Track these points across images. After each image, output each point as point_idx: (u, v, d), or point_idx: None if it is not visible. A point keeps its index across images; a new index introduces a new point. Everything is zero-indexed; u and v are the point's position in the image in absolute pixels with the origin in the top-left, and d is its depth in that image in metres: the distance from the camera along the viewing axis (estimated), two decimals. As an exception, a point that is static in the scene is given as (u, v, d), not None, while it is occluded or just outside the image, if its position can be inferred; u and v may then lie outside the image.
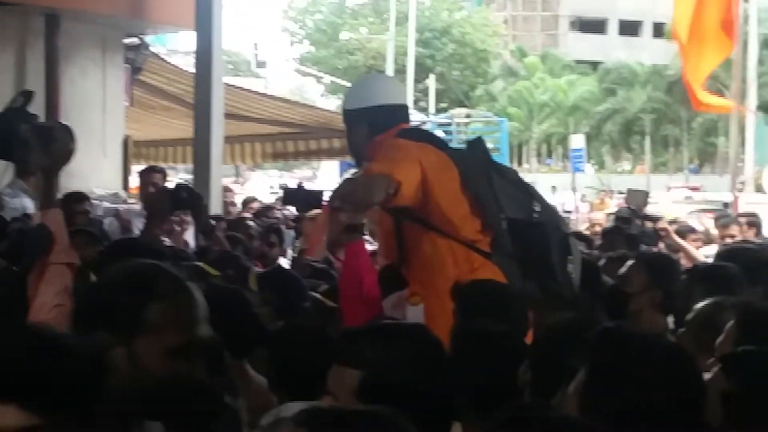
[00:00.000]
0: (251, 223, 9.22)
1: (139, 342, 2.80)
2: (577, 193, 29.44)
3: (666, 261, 5.84)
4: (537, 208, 5.06)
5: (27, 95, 3.95)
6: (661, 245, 9.39)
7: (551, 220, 5.13)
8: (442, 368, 2.90)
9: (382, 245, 5.42)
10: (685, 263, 8.65)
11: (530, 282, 4.85)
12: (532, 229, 5.00)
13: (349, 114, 5.24)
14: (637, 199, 9.94)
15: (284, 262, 8.26)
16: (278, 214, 10.21)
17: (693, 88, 15.77)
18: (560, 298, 4.70)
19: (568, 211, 22.57)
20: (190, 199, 7.03)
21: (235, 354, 4.60)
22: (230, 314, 4.74)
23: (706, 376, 2.97)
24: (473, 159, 5.07)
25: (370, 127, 5.09)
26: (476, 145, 5.30)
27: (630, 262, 5.63)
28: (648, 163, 61.11)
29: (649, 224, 9.49)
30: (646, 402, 2.59)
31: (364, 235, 4.57)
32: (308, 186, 6.32)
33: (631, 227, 9.57)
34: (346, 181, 4.54)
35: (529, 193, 5.15)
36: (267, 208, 10.53)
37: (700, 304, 4.38)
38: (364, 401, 2.72)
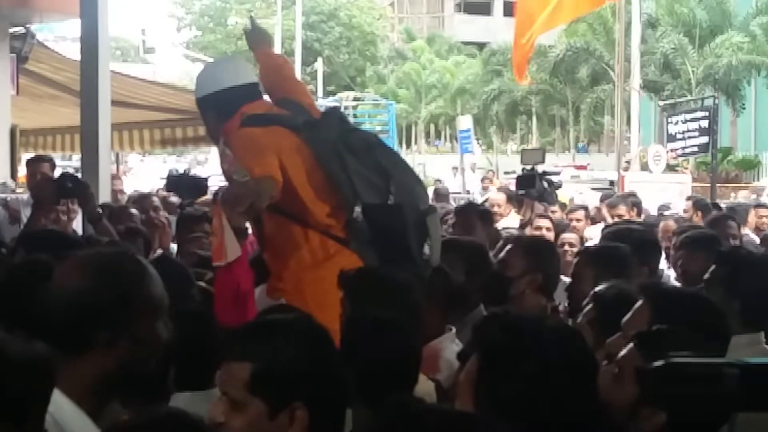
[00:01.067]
0: (134, 211, 9.14)
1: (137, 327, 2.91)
2: (476, 174, 29.73)
3: (543, 244, 5.95)
4: (392, 189, 5.00)
5: None
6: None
7: (409, 200, 5.04)
8: (331, 358, 2.92)
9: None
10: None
11: (387, 266, 4.75)
12: (388, 213, 4.96)
13: (198, 102, 5.25)
14: (534, 157, 10.04)
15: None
16: (157, 201, 10.11)
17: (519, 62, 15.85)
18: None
19: (469, 192, 22.70)
20: (76, 187, 6.99)
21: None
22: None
23: (619, 354, 3.08)
24: (325, 140, 5.00)
25: (217, 112, 5.10)
26: (329, 118, 5.22)
27: (508, 247, 5.66)
28: (534, 143, 61.72)
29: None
30: (542, 383, 2.64)
31: (246, 237, 4.55)
32: (197, 172, 6.31)
33: (535, 188, 9.58)
34: (235, 185, 4.55)
35: (384, 172, 5.05)
36: (144, 197, 10.44)
37: (599, 288, 4.41)
38: (256, 394, 2.77)
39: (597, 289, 4.38)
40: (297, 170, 4.88)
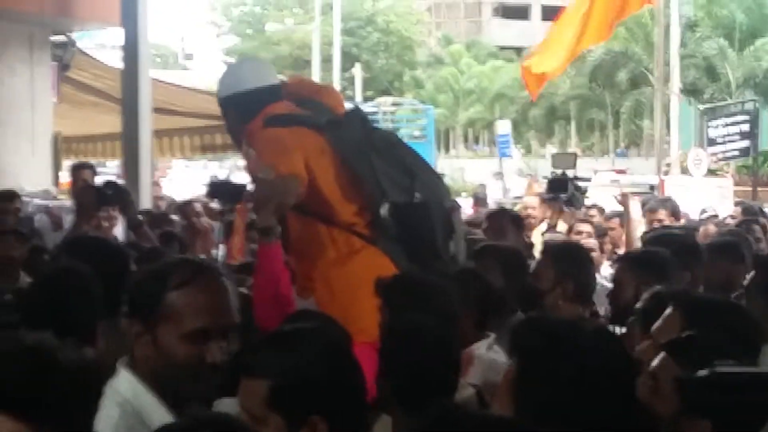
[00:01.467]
0: (175, 217, 9.21)
1: (161, 329, 2.88)
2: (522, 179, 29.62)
3: (572, 250, 5.78)
4: (418, 187, 5.00)
5: None
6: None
7: (434, 197, 5.07)
8: (347, 367, 2.92)
9: None
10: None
11: (415, 263, 4.81)
12: (414, 210, 4.96)
13: (220, 102, 5.22)
14: (566, 162, 9.99)
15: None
16: (199, 207, 10.18)
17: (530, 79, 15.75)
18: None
19: (519, 197, 22.61)
20: (116, 194, 7.04)
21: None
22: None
23: (653, 364, 3.06)
24: (350, 139, 5.00)
25: (238, 113, 5.08)
26: (353, 117, 5.23)
27: (538, 258, 5.59)
28: (573, 148, 61.54)
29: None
30: (581, 388, 2.63)
31: (277, 237, 4.54)
32: (237, 177, 6.30)
33: (566, 193, 9.56)
34: (262, 184, 4.53)
35: (410, 171, 5.07)
36: (186, 203, 10.52)
37: (647, 294, 4.32)
38: (275, 409, 2.76)
39: (644, 296, 4.36)
40: (322, 170, 4.88)
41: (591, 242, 9.19)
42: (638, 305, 4.30)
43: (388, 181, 4.94)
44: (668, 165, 23.71)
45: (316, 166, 4.83)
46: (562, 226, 9.56)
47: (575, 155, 10.54)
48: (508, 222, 8.11)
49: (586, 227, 9.64)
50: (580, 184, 9.82)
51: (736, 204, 12.38)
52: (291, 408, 2.76)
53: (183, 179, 34.87)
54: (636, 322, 4.20)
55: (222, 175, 10.94)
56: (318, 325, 3.27)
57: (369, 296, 4.28)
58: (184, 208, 10.05)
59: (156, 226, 8.73)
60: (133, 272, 3.12)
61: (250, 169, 4.95)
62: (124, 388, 2.89)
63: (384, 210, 4.91)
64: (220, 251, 8.13)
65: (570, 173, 9.76)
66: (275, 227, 4.47)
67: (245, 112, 5.06)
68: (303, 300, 4.76)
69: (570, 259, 5.46)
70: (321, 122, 5.07)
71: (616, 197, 9.46)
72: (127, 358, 2.98)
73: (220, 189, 7.58)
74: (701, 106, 36.75)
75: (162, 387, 2.90)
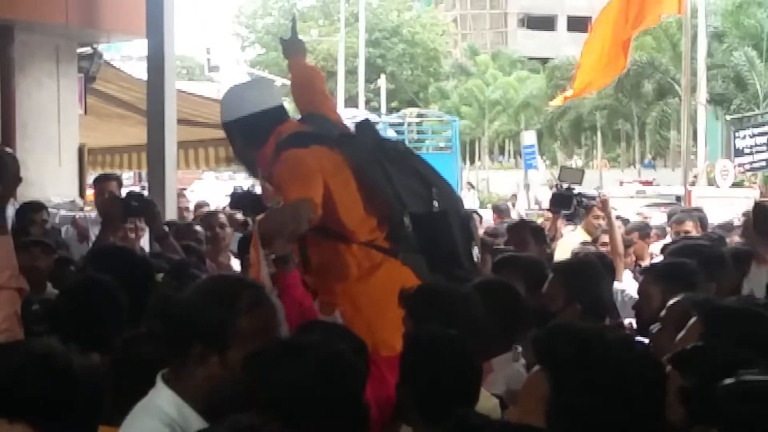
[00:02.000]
0: (199, 228, 9.23)
1: (232, 351, 2.98)
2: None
3: (581, 267, 5.71)
4: (435, 196, 4.99)
5: None
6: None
7: (451, 205, 5.06)
8: (346, 380, 2.92)
9: None
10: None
11: (437, 273, 4.79)
12: (434, 220, 4.94)
13: (225, 126, 5.16)
14: (573, 177, 9.88)
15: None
16: (223, 218, 10.21)
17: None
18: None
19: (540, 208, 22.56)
20: (142, 206, 7.05)
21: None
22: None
23: None
24: (365, 152, 4.96)
25: (246, 137, 5.02)
26: (364, 128, 5.18)
27: (550, 278, 5.50)
28: (599, 159, 61.41)
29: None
30: (616, 394, 2.65)
31: (294, 264, 4.51)
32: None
33: (569, 209, 9.52)
34: (272, 213, 4.49)
35: (426, 180, 5.06)
36: (212, 214, 10.53)
37: (672, 301, 4.38)
38: (273, 419, 2.77)
39: (669, 303, 4.36)
40: (340, 187, 4.83)
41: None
42: (662, 314, 4.29)
43: (406, 190, 4.92)
44: (695, 176, 23.63)
45: (334, 185, 4.79)
46: (575, 237, 9.49)
47: (583, 171, 10.41)
48: (528, 234, 8.09)
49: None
50: (586, 200, 9.74)
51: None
52: (285, 419, 2.76)
53: (208, 190, 34.92)
54: (664, 330, 4.19)
55: (245, 186, 10.92)
56: (318, 337, 3.24)
57: (393, 309, 4.26)
58: (209, 218, 10.07)
59: (183, 239, 8.75)
60: (189, 299, 3.12)
61: (267, 199, 4.93)
62: (168, 407, 2.95)
63: (406, 220, 4.88)
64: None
65: (576, 189, 9.69)
66: (291, 255, 4.46)
67: (253, 136, 5.01)
68: (326, 317, 4.72)
69: (578, 277, 5.42)
70: (334, 138, 5.04)
71: (596, 202, 9.39)
72: (167, 375, 3.02)
73: (242, 200, 7.60)
74: (728, 117, 36.63)
75: (210, 408, 2.96)
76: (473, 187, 38.52)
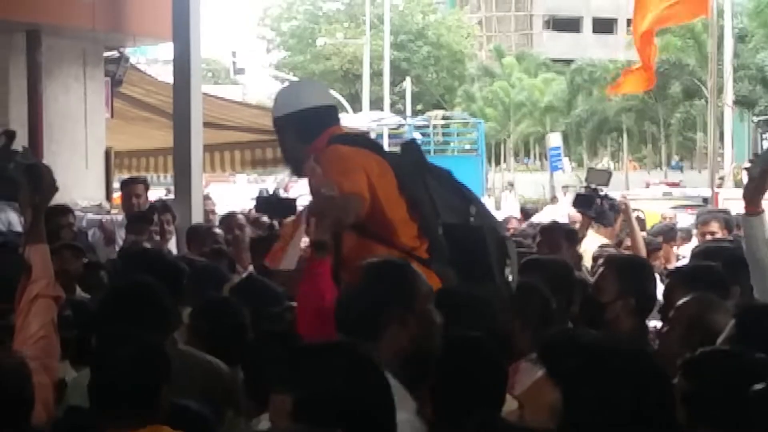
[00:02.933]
0: (218, 230, 9.28)
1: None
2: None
3: (637, 264, 5.75)
4: (473, 212, 5.04)
5: (10, 135, 4.07)
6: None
7: (488, 223, 5.11)
8: (373, 382, 2.90)
9: None
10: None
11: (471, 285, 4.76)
12: (469, 233, 4.98)
13: (277, 122, 5.21)
14: (600, 178, 9.84)
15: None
16: (242, 219, 10.25)
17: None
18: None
19: None
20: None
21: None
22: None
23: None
24: (408, 162, 5.04)
25: (298, 132, 5.07)
26: (410, 147, 5.28)
27: (600, 269, 5.54)
28: (625, 160, 61.21)
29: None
30: (626, 405, 2.64)
31: (328, 253, 4.54)
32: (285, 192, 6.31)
33: (592, 209, 9.54)
34: (323, 199, 4.48)
35: (465, 196, 5.13)
36: (230, 216, 10.58)
37: (682, 301, 4.39)
38: (300, 423, 2.75)
39: (678, 303, 4.39)
40: (384, 190, 4.87)
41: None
42: (671, 313, 4.31)
43: (441, 201, 4.97)
44: (722, 178, 23.51)
45: (379, 187, 4.83)
46: (595, 239, 9.46)
47: (610, 173, 10.37)
48: (561, 236, 8.07)
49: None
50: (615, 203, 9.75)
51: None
52: (315, 422, 2.74)
53: (239, 193, 34.98)
54: (672, 331, 4.20)
55: (271, 190, 10.96)
56: (346, 341, 3.25)
57: None
58: (227, 220, 10.12)
59: (202, 242, 8.81)
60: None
61: (314, 185, 4.94)
62: None
63: (439, 230, 4.92)
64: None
65: (603, 191, 9.67)
66: (327, 243, 4.44)
67: (306, 132, 5.05)
68: None
69: (635, 273, 5.41)
70: (380, 147, 5.18)
71: (619, 203, 9.39)
72: None
73: (268, 203, 7.63)
74: (755, 118, 36.46)
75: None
76: (512, 187, 38.39)
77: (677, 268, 6.19)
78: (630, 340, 4.34)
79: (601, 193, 9.40)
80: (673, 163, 61.65)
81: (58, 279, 6.46)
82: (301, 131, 5.07)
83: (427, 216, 4.95)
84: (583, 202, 9.42)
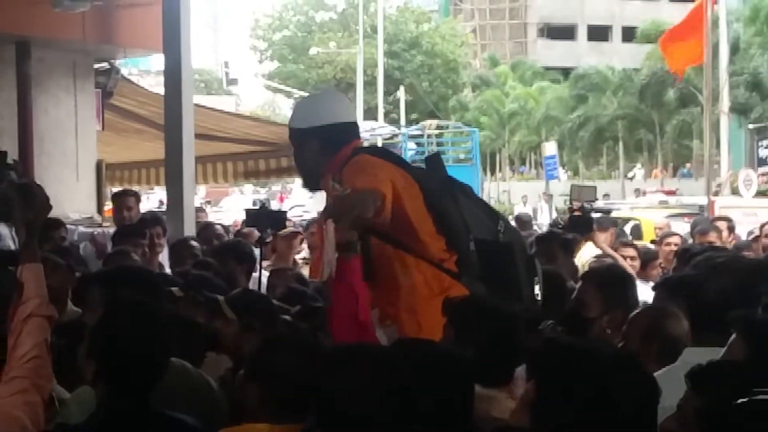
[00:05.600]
0: (195, 243, 9.19)
1: None
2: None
3: (618, 276, 5.73)
4: (501, 229, 5.02)
5: (1, 155, 4.09)
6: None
7: (516, 241, 5.10)
8: (401, 392, 2.98)
9: None
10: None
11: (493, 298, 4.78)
12: (499, 250, 4.95)
13: (298, 132, 5.14)
14: (586, 194, 9.81)
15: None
16: (220, 230, 10.20)
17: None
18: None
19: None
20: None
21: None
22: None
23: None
24: (435, 178, 5.02)
25: (323, 145, 5.01)
26: (434, 161, 5.25)
27: (579, 285, 5.54)
28: (621, 169, 61.20)
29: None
30: (599, 409, 2.65)
31: (356, 252, 4.48)
32: (277, 204, 6.26)
33: (589, 229, 9.53)
34: (337, 199, 4.45)
35: (492, 213, 5.13)
36: (208, 227, 10.54)
37: (634, 313, 4.51)
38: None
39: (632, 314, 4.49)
40: (411, 200, 4.83)
41: (636, 264, 9.14)
42: (624, 328, 4.42)
43: (472, 217, 4.95)
44: (718, 186, 23.50)
45: (406, 197, 4.79)
46: (591, 250, 9.42)
47: (595, 188, 10.36)
48: (557, 246, 8.03)
49: (630, 251, 9.56)
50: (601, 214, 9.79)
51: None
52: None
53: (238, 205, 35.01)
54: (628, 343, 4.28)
55: (259, 204, 11.01)
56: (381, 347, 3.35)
57: None
58: (205, 232, 10.03)
59: (179, 254, 8.72)
60: None
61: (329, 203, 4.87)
62: None
63: (471, 245, 4.89)
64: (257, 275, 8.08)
65: (589, 206, 9.67)
66: (355, 242, 4.42)
67: (329, 146, 5.00)
68: (385, 328, 4.77)
69: (617, 286, 5.42)
70: (405, 162, 5.12)
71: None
72: None
73: (258, 217, 7.55)
74: (751, 126, 36.43)
75: None
76: (551, 197, 38.29)
77: (663, 278, 6.18)
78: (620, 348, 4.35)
79: (588, 207, 9.42)
80: (684, 171, 61.44)
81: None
82: (325, 145, 5.02)
83: (457, 230, 4.92)
84: (578, 224, 9.40)
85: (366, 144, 5.52)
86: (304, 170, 5.25)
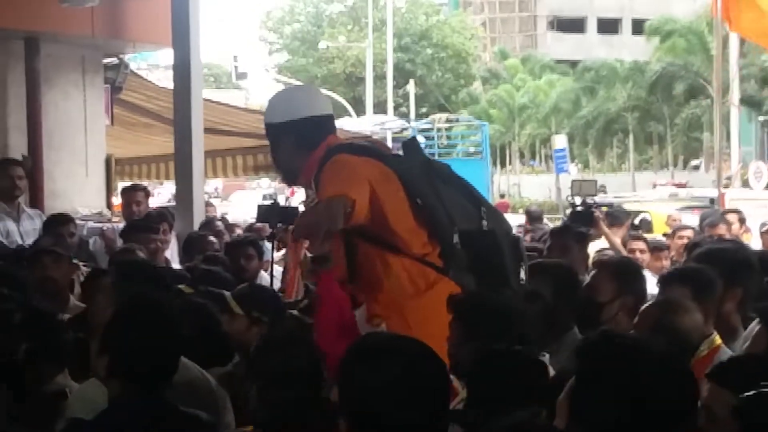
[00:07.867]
0: (212, 238, 9.23)
1: None
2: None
3: (630, 265, 5.88)
4: (483, 213, 4.97)
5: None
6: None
7: (500, 225, 5.05)
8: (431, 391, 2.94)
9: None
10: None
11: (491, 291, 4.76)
12: (483, 237, 4.91)
13: (273, 128, 5.10)
14: (587, 189, 9.79)
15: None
16: (220, 226, 10.22)
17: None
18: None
19: None
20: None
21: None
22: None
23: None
24: (415, 168, 4.94)
25: (298, 140, 4.97)
26: (411, 146, 5.16)
27: (594, 271, 5.66)
28: (632, 161, 61.08)
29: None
30: (637, 406, 2.60)
31: (331, 263, 4.46)
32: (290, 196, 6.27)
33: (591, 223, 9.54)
34: (307, 212, 4.48)
35: (474, 197, 5.05)
36: (208, 222, 10.58)
37: (645, 306, 4.52)
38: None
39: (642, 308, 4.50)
40: (391, 199, 4.79)
41: (645, 258, 9.13)
42: (635, 320, 4.44)
43: (455, 208, 4.88)
44: (728, 178, 23.40)
45: (383, 194, 4.75)
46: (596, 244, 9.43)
47: (596, 182, 10.33)
48: (571, 240, 8.00)
49: (639, 244, 9.56)
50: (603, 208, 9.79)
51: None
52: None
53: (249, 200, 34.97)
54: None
55: (270, 199, 11.01)
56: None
57: (444, 329, 4.26)
58: (206, 227, 10.06)
59: (198, 250, 8.75)
60: None
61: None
62: None
63: (455, 237, 4.83)
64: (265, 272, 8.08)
65: (590, 200, 9.65)
66: (329, 254, 4.40)
67: (305, 140, 4.96)
68: (371, 327, 4.72)
69: (630, 273, 5.55)
70: (384, 153, 5.03)
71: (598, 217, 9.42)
72: None
73: (269, 213, 7.56)
74: (761, 118, 36.35)
75: None
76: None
77: (671, 270, 6.19)
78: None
79: (590, 202, 9.41)
80: (696, 163, 61.18)
81: (44, 286, 6.41)
82: (300, 140, 4.97)
83: (439, 222, 4.86)
84: (580, 219, 9.39)
85: (373, 137, 5.46)
86: (281, 165, 5.22)
